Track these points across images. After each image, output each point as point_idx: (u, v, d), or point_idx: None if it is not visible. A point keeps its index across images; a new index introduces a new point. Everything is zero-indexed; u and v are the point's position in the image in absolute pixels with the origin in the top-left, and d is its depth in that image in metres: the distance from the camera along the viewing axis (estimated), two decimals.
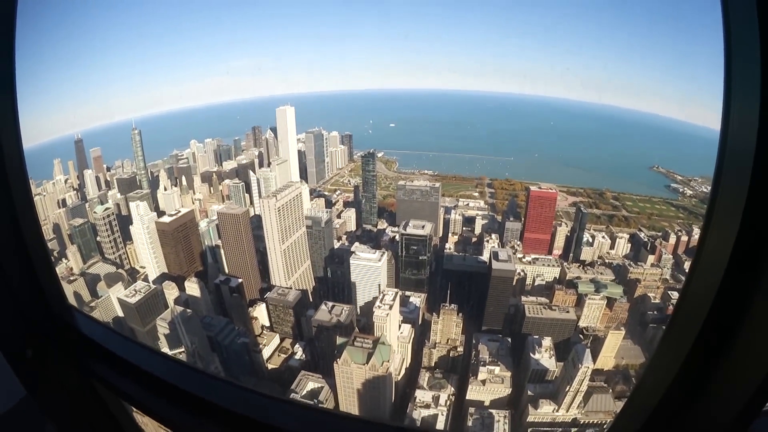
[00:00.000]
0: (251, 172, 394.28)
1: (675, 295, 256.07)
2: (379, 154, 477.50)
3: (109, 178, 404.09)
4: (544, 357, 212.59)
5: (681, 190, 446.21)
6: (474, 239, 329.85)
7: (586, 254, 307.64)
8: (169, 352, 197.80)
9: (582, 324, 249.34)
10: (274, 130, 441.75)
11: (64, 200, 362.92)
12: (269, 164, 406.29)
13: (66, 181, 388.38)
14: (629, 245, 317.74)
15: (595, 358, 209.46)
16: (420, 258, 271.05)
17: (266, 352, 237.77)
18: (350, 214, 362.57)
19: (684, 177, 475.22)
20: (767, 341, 7.15)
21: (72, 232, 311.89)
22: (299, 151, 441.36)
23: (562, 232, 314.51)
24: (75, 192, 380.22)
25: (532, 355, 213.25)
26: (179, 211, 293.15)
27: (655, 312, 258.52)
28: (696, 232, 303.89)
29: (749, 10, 6.16)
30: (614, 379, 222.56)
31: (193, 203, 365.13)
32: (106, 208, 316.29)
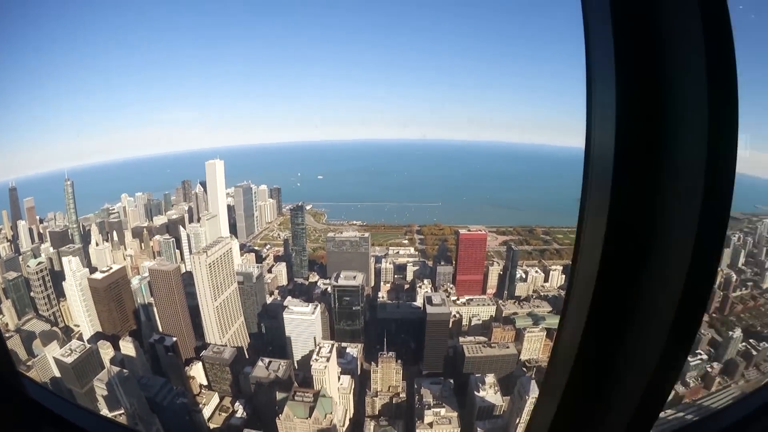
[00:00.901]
0: (181, 228, 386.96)
1: None
2: (308, 207, 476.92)
3: (42, 231, 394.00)
4: (489, 393, 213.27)
5: None
6: (406, 286, 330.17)
7: (521, 290, 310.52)
8: (109, 414, 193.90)
9: (524, 357, 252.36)
10: (203, 184, 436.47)
11: None
12: (199, 219, 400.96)
13: None
14: (563, 276, 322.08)
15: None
16: (353, 308, 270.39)
17: (207, 412, 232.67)
18: (281, 268, 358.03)
19: None
20: (649, 346, 7.68)
21: (6, 286, 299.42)
22: (229, 206, 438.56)
23: (495, 271, 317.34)
24: (9, 243, 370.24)
25: (476, 393, 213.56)
26: (111, 268, 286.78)
27: None
28: None
29: (605, 37, 6.89)
30: None
31: (125, 259, 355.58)
32: (39, 263, 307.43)
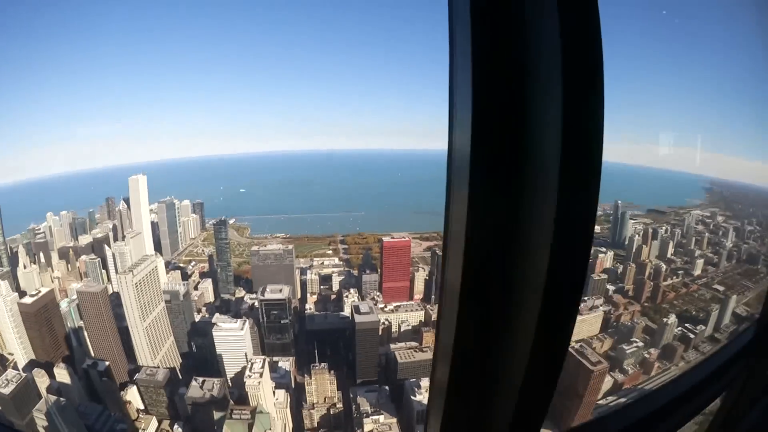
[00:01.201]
0: (107, 246, 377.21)
1: None
2: (231, 221, 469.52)
3: None
4: (426, 397, 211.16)
5: None
6: (333, 296, 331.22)
7: None
8: None
9: None
10: (126, 200, 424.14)
11: None
12: (124, 237, 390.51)
13: None
14: None
15: None
16: (282, 322, 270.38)
17: None
18: (207, 285, 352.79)
19: None
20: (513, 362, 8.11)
21: None
22: (152, 222, 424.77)
23: (421, 276, 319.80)
24: None
25: (413, 397, 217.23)
26: (39, 291, 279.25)
27: None
28: None
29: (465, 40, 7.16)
30: None
31: (53, 281, 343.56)
32: None
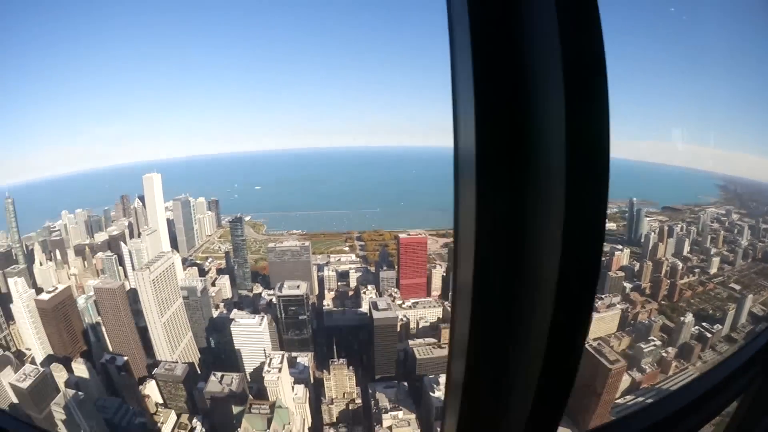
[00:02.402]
0: (123, 244, 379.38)
1: None
2: (247, 218, 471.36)
3: None
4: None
5: None
6: (351, 293, 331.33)
7: None
8: None
9: None
10: (142, 198, 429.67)
11: None
12: (140, 234, 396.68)
13: None
14: None
15: None
16: (300, 318, 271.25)
17: (165, 430, 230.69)
18: (224, 281, 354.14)
19: None
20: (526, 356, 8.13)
21: None
22: (168, 220, 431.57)
23: (438, 273, 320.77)
24: None
25: (431, 394, 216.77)
26: (56, 288, 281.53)
27: None
28: None
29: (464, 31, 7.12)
30: None
31: (69, 278, 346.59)
32: None
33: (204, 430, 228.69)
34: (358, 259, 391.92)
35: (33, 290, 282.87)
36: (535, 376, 7.85)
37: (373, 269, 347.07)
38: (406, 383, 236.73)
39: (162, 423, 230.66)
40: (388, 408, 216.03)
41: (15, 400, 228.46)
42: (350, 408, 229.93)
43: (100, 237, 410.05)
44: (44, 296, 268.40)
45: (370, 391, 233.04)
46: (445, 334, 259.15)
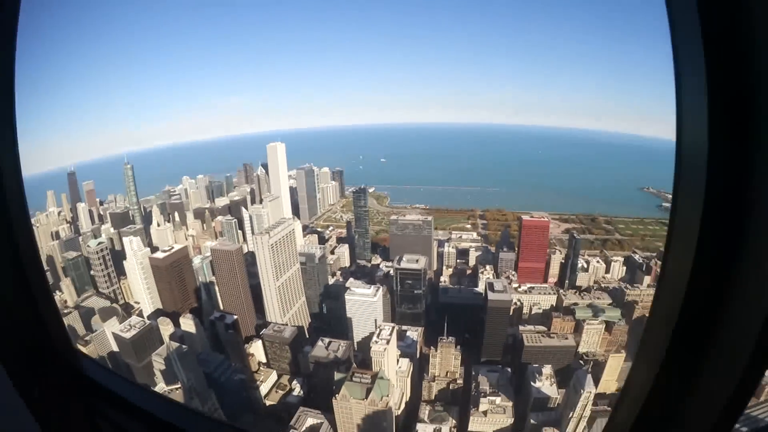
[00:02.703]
0: (243, 209, 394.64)
1: None
2: (371, 190, 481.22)
3: (102, 212, 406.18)
4: (545, 385, 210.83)
5: None
6: (468, 271, 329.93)
7: (582, 280, 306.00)
8: (166, 388, 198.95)
9: (582, 349, 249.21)
10: (265, 166, 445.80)
11: (57, 233, 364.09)
12: (261, 201, 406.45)
13: (59, 214, 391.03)
14: (624, 268, 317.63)
15: (596, 382, 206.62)
16: (415, 292, 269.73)
17: (264, 389, 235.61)
18: (344, 250, 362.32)
19: None
20: (743, 339, 6.87)
21: (66, 265, 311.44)
22: (291, 188, 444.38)
23: (557, 259, 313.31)
24: (68, 225, 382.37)
25: (532, 383, 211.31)
26: (173, 247, 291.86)
27: None
28: None
29: (693, 23, 6.26)
30: None
31: (186, 239, 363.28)
32: (100, 242, 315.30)
33: (302, 392, 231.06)
34: (479, 237, 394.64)
35: (148, 249, 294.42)
36: (723, 395, 7.43)
37: (493, 249, 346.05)
38: (509, 369, 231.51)
39: (261, 381, 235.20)
40: (488, 392, 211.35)
41: (115, 349, 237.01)
42: (450, 387, 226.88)
43: (221, 202, 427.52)
44: (159, 254, 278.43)
45: (473, 373, 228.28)
46: (556, 323, 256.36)
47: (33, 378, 12.42)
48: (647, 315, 9.91)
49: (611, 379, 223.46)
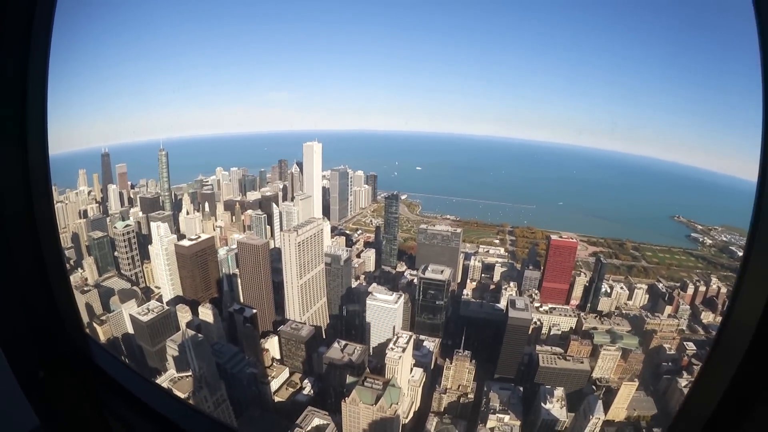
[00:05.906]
0: (274, 205, 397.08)
1: (691, 345, 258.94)
2: (403, 197, 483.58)
3: (132, 196, 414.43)
4: (556, 407, 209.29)
5: (701, 239, 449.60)
6: (492, 286, 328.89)
7: (604, 305, 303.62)
8: (176, 375, 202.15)
9: (596, 375, 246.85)
10: (300, 164, 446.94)
11: (85, 211, 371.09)
12: (293, 198, 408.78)
13: (89, 193, 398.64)
14: (647, 296, 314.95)
15: (606, 409, 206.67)
16: (437, 303, 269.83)
17: (274, 385, 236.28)
18: (370, 255, 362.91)
19: (705, 226, 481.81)
20: None
21: (90, 243, 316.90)
22: (323, 188, 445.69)
23: (581, 282, 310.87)
24: (97, 205, 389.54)
25: (543, 404, 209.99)
26: (200, 236, 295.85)
27: (670, 363, 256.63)
28: (714, 282, 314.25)
29: None
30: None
31: (214, 230, 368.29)
32: (127, 225, 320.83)
33: (312, 392, 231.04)
34: (506, 253, 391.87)
35: (174, 236, 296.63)
36: None
37: (519, 266, 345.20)
38: (521, 388, 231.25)
39: (273, 377, 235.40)
40: (497, 409, 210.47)
41: (131, 331, 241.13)
42: (461, 401, 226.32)
43: (252, 196, 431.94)
44: (186, 242, 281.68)
45: (485, 389, 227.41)
46: (574, 346, 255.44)
47: (37, 361, 12.60)
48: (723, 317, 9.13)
49: (621, 407, 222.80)
